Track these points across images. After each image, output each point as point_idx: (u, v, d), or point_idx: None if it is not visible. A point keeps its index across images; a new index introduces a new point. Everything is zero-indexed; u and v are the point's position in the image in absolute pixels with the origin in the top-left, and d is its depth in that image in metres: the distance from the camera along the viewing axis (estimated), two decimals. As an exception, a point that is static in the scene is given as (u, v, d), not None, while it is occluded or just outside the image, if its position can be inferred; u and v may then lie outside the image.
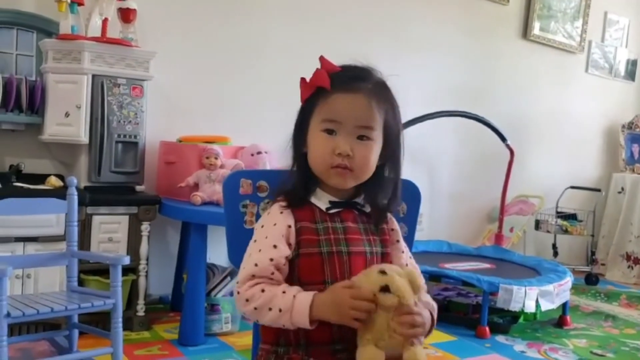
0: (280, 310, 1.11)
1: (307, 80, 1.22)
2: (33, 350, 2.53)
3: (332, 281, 1.18)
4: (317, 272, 1.18)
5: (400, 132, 1.26)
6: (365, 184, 1.25)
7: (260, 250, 1.18)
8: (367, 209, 1.27)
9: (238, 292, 1.16)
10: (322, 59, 1.21)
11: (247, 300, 1.14)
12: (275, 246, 1.18)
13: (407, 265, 1.30)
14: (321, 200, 1.24)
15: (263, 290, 1.13)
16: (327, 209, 1.23)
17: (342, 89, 1.19)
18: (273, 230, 1.19)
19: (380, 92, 1.22)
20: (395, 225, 1.32)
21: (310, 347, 1.17)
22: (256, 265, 1.16)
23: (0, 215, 2.34)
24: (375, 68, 1.24)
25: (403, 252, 1.31)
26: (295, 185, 1.24)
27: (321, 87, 1.19)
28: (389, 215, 1.30)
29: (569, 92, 5.27)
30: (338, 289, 1.11)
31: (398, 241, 1.31)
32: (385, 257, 1.26)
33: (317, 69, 1.21)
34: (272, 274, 1.16)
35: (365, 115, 1.19)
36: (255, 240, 1.21)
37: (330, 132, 1.19)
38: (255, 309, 1.13)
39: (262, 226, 1.22)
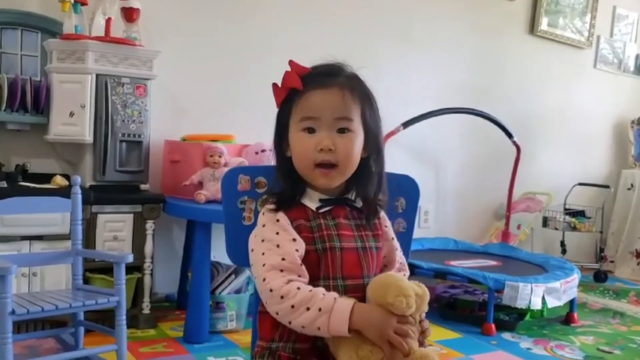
0: (319, 310, 1.09)
1: (279, 84, 1.24)
2: (39, 347, 2.55)
3: (325, 277, 1.18)
4: (314, 269, 1.18)
5: (379, 123, 1.26)
6: (354, 178, 1.25)
7: (278, 246, 1.15)
8: (359, 203, 1.27)
9: (271, 290, 1.12)
10: (291, 62, 1.22)
11: (282, 297, 1.11)
12: (294, 239, 1.17)
13: (399, 262, 1.32)
14: (312, 200, 1.23)
15: (299, 288, 1.11)
16: (318, 208, 1.23)
17: (315, 86, 1.20)
18: (280, 226, 1.18)
19: (353, 83, 1.23)
20: (388, 222, 1.33)
21: (296, 344, 1.17)
22: (284, 259, 1.14)
23: (6, 214, 2.36)
24: (345, 63, 1.25)
25: (397, 249, 1.32)
26: (283, 189, 1.24)
27: (294, 89, 1.21)
28: (381, 211, 1.30)
29: (577, 88, 5.24)
30: (382, 309, 1.11)
31: (393, 238, 1.32)
32: (378, 252, 1.26)
33: (286, 71, 1.23)
34: (301, 265, 1.15)
35: (341, 106, 1.19)
36: (263, 240, 1.18)
37: (310, 131, 1.20)
38: (293, 306, 1.10)
39: (264, 226, 1.20)
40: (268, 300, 1.14)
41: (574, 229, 4.75)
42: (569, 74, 5.18)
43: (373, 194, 1.26)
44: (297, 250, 1.16)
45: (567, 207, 4.84)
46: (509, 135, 4.29)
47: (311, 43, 3.61)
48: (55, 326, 2.60)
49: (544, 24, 4.90)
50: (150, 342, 2.73)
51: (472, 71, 4.54)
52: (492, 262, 3.71)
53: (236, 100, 3.53)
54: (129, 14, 2.91)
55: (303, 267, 1.16)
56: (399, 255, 1.33)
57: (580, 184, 4.97)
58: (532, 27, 4.86)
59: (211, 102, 3.47)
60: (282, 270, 1.13)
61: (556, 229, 4.76)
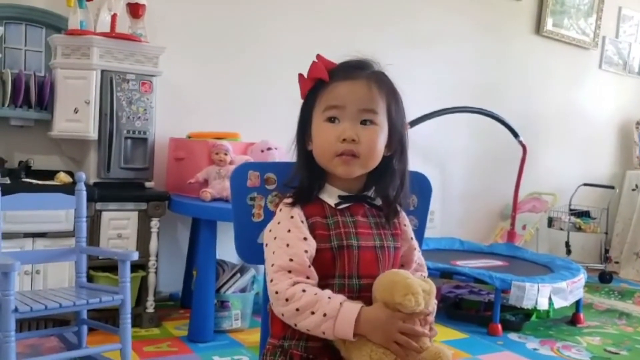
0: (324, 315, 1.07)
1: (305, 75, 1.22)
2: (42, 346, 2.53)
3: (341, 275, 1.15)
4: (328, 267, 1.16)
5: (405, 122, 1.24)
6: (375, 176, 1.23)
7: (288, 245, 1.13)
8: (378, 202, 1.24)
9: (277, 292, 1.11)
10: (318, 56, 1.21)
11: (287, 299, 1.09)
12: (305, 238, 1.15)
13: (417, 262, 1.29)
14: (331, 196, 1.21)
15: (304, 291, 1.09)
16: (336, 204, 1.20)
17: (341, 78, 1.18)
18: (293, 223, 1.16)
19: (380, 78, 1.21)
20: (407, 221, 1.30)
21: (309, 342, 1.15)
22: (291, 260, 1.12)
23: (9, 210, 2.33)
24: (374, 60, 1.23)
25: (415, 249, 1.30)
26: (301, 183, 1.22)
27: (320, 80, 1.19)
28: (401, 211, 1.27)
29: (583, 89, 5.22)
30: (388, 311, 1.09)
31: (412, 238, 1.29)
32: (396, 252, 1.23)
33: (313, 62, 1.21)
34: (309, 267, 1.13)
35: (367, 98, 1.18)
36: (275, 238, 1.16)
37: (333, 120, 1.18)
38: (297, 310, 1.08)
39: (279, 222, 1.18)
40: (274, 302, 1.13)
41: (579, 229, 4.73)
42: (574, 74, 5.16)
43: (394, 193, 1.23)
44: (306, 251, 1.13)
45: (572, 207, 4.82)
46: (515, 135, 4.26)
47: (318, 41, 3.57)
48: (58, 325, 2.58)
49: (549, 24, 4.88)
50: (154, 341, 2.71)
51: (477, 70, 4.51)
52: (498, 262, 3.69)
53: (242, 98, 3.51)
54: (135, 10, 2.88)
55: (312, 268, 1.13)
56: (417, 256, 1.30)
57: (585, 185, 4.94)
58: (538, 27, 4.84)
59: (217, 99, 3.45)
60: (289, 272, 1.12)
61: (561, 229, 4.74)
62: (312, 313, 1.08)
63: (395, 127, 1.21)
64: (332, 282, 1.15)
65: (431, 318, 1.15)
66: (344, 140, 1.16)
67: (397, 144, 1.23)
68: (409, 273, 1.15)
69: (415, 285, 1.09)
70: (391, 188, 1.23)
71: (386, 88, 1.21)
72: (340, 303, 1.08)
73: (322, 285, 1.14)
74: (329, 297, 1.09)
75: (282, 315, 1.12)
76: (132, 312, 2.30)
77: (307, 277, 1.13)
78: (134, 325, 2.60)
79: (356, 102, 1.17)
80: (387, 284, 1.11)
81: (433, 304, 1.15)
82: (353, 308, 1.08)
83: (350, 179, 1.21)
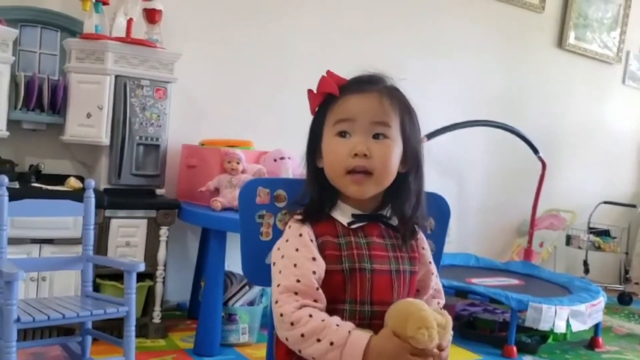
0: (331, 344, 1.01)
1: (314, 91, 1.17)
2: (45, 355, 2.48)
3: (352, 301, 1.09)
4: (338, 291, 1.09)
5: (419, 138, 1.18)
6: (390, 194, 1.17)
7: (295, 265, 1.07)
8: (394, 222, 1.18)
9: (282, 315, 1.05)
10: (328, 72, 1.16)
11: (292, 323, 1.04)
12: (314, 258, 1.09)
13: (433, 288, 1.22)
14: (343, 214, 1.15)
15: (311, 315, 1.03)
16: (349, 223, 1.14)
17: (352, 91, 1.13)
18: (302, 242, 1.10)
19: (393, 92, 1.15)
20: (426, 244, 1.24)
21: None
22: (298, 281, 1.06)
23: (16, 216, 2.29)
24: (386, 75, 1.18)
25: (433, 274, 1.23)
26: (311, 199, 1.16)
27: (330, 95, 1.14)
28: (419, 232, 1.21)
29: (605, 104, 5.11)
30: (399, 341, 1.02)
31: (430, 262, 1.23)
32: (412, 276, 1.16)
33: (323, 76, 1.16)
34: (317, 289, 1.07)
35: (379, 110, 1.12)
36: (282, 256, 1.10)
37: (343, 134, 1.12)
38: (302, 335, 1.03)
39: (287, 240, 1.12)
40: (278, 325, 1.07)
41: (598, 248, 4.62)
42: (597, 89, 5.05)
43: (410, 212, 1.17)
44: (314, 272, 1.07)
45: (591, 225, 4.70)
46: (535, 151, 4.17)
47: (334, 51, 3.53)
48: (62, 333, 2.53)
49: (571, 37, 4.78)
50: (159, 353, 2.65)
51: (498, 83, 4.43)
52: (514, 281, 3.60)
53: (256, 106, 3.46)
54: (151, 15, 2.85)
55: (320, 291, 1.07)
56: (435, 281, 1.24)
57: (605, 203, 4.82)
58: (560, 40, 4.75)
59: (230, 107, 3.40)
60: (296, 293, 1.06)
61: (579, 247, 4.63)
62: (318, 340, 1.02)
63: (409, 143, 1.15)
64: (341, 307, 1.09)
65: (445, 354, 1.07)
66: (356, 155, 1.10)
67: (412, 161, 1.16)
68: (425, 304, 1.07)
69: (430, 319, 1.02)
70: (407, 206, 1.17)
71: (399, 102, 1.15)
72: (349, 331, 1.02)
73: (330, 309, 1.08)
74: (337, 325, 1.03)
75: (287, 339, 1.06)
76: (138, 322, 2.26)
77: (315, 300, 1.07)
78: (139, 335, 2.56)
79: (368, 115, 1.11)
80: (401, 315, 1.04)
81: (448, 338, 1.08)
82: (362, 337, 1.02)
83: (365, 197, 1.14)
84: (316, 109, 1.18)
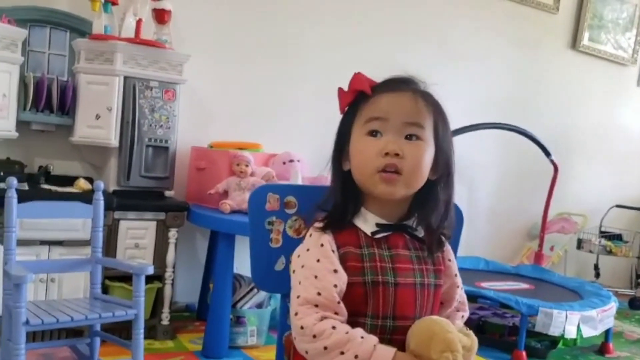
0: (356, 357, 0.97)
1: (345, 89, 1.13)
2: (54, 356, 2.48)
3: (373, 315, 1.06)
4: (360, 304, 1.06)
5: (452, 145, 1.14)
6: (417, 203, 1.13)
7: (316, 277, 1.04)
8: (420, 233, 1.13)
9: (302, 327, 1.01)
10: (359, 73, 1.12)
11: (314, 336, 1.00)
12: (335, 270, 1.05)
13: (458, 300, 1.20)
14: (367, 223, 1.11)
15: (334, 328, 1.00)
16: (373, 233, 1.10)
17: (385, 90, 1.10)
18: (323, 252, 1.06)
19: (427, 95, 1.12)
20: (452, 255, 1.20)
21: None
22: (319, 294, 1.02)
23: (25, 218, 2.29)
24: (419, 78, 1.14)
25: (458, 286, 1.19)
26: (335, 206, 1.12)
27: (361, 93, 1.10)
28: (446, 243, 1.17)
29: (619, 106, 5.06)
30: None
31: (456, 275, 1.19)
32: (437, 290, 1.13)
33: (355, 74, 1.12)
34: (339, 303, 1.03)
35: (413, 111, 1.08)
36: (303, 266, 1.07)
37: (375, 134, 1.08)
38: (325, 348, 0.99)
39: (308, 250, 1.09)
40: (298, 337, 1.03)
41: (610, 252, 4.57)
42: (611, 91, 5.00)
43: (438, 223, 1.13)
44: (335, 286, 1.04)
45: (602, 229, 4.65)
46: (547, 154, 4.13)
47: (345, 54, 3.51)
48: (71, 335, 2.53)
49: (585, 38, 4.73)
50: (167, 354, 2.64)
51: (510, 84, 4.40)
52: (524, 285, 3.56)
53: (265, 109, 3.44)
54: (161, 16, 2.84)
55: (341, 304, 1.04)
56: (460, 294, 1.20)
57: (617, 206, 4.77)
58: (574, 41, 4.70)
59: (240, 109, 3.38)
60: (316, 306, 1.02)
61: (591, 252, 4.59)
62: (342, 353, 0.98)
63: (442, 148, 1.11)
64: (362, 321, 1.05)
65: None
66: (387, 154, 1.06)
67: (443, 168, 1.12)
68: (450, 324, 1.03)
69: (455, 341, 0.99)
70: (435, 216, 1.12)
71: (433, 105, 1.11)
72: (374, 345, 0.99)
73: (351, 322, 1.04)
74: (362, 337, 1.00)
75: (307, 352, 1.02)
76: (147, 323, 2.25)
77: (336, 313, 1.03)
78: (148, 337, 2.55)
79: (401, 115, 1.07)
80: (424, 335, 1.01)
81: None
82: (387, 352, 0.99)
83: (391, 204, 1.10)
84: (346, 108, 1.14)
